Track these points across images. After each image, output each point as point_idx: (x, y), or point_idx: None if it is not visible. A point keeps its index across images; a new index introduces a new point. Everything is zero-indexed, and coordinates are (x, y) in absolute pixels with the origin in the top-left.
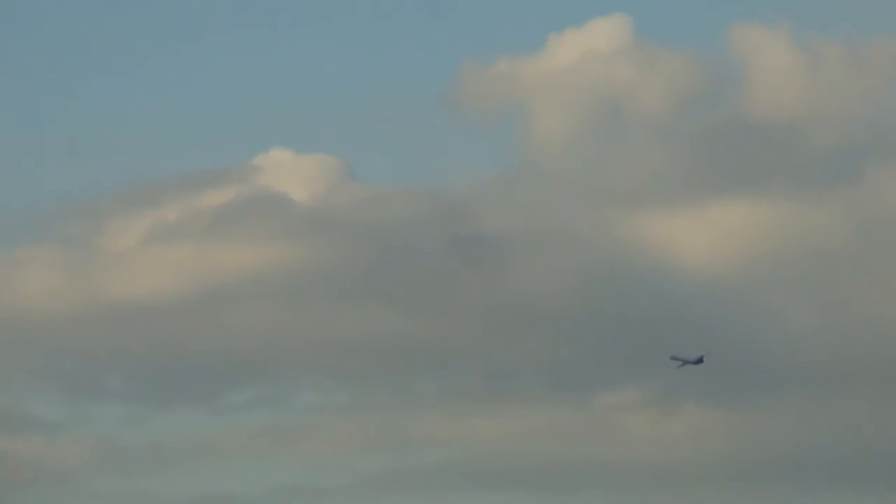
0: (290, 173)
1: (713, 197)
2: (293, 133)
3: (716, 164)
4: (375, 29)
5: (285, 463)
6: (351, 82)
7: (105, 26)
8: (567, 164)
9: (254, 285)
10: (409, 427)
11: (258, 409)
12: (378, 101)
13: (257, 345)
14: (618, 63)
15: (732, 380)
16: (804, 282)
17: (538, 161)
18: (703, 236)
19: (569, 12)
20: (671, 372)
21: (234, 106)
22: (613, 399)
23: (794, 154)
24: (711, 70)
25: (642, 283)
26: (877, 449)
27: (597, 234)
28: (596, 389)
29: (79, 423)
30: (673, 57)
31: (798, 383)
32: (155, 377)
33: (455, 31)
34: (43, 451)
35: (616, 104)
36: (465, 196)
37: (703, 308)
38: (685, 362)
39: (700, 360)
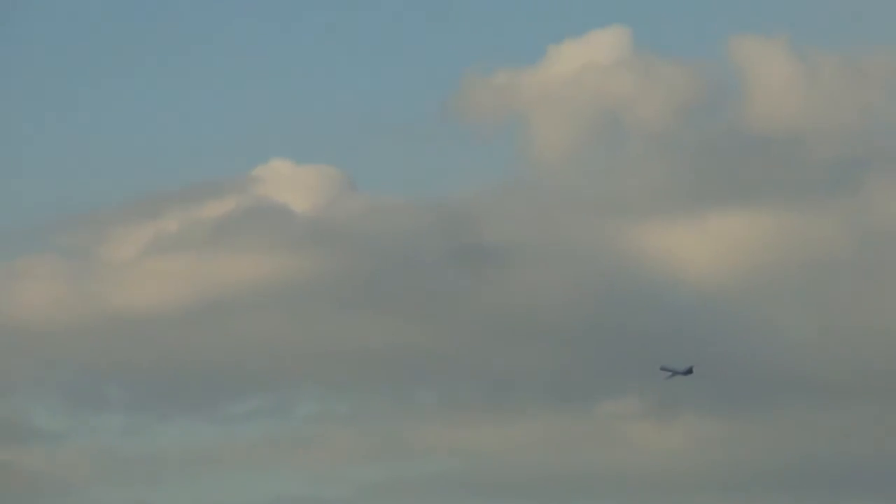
0: (291, 184)
1: (713, 207)
2: (293, 144)
3: (716, 175)
4: (376, 40)
5: (286, 473)
6: (351, 93)
7: (105, 37)
8: (567, 175)
9: (254, 296)
10: (410, 437)
11: (259, 420)
12: (379, 112)
13: (258, 355)
14: (617, 74)
15: (732, 389)
16: (804, 292)
17: (538, 172)
18: (704, 247)
19: (568, 24)
20: (671, 382)
21: (234, 117)
22: (614, 409)
23: (794, 165)
24: (711, 81)
25: (643, 294)
26: (876, 459)
27: (597, 244)
28: (596, 399)
29: (79, 433)
30: (672, 68)
31: (798, 393)
32: (156, 387)
33: (455, 42)
34: (43, 462)
35: (616, 115)
36: (466, 207)
37: (703, 318)
38: (675, 373)
39: (689, 371)
